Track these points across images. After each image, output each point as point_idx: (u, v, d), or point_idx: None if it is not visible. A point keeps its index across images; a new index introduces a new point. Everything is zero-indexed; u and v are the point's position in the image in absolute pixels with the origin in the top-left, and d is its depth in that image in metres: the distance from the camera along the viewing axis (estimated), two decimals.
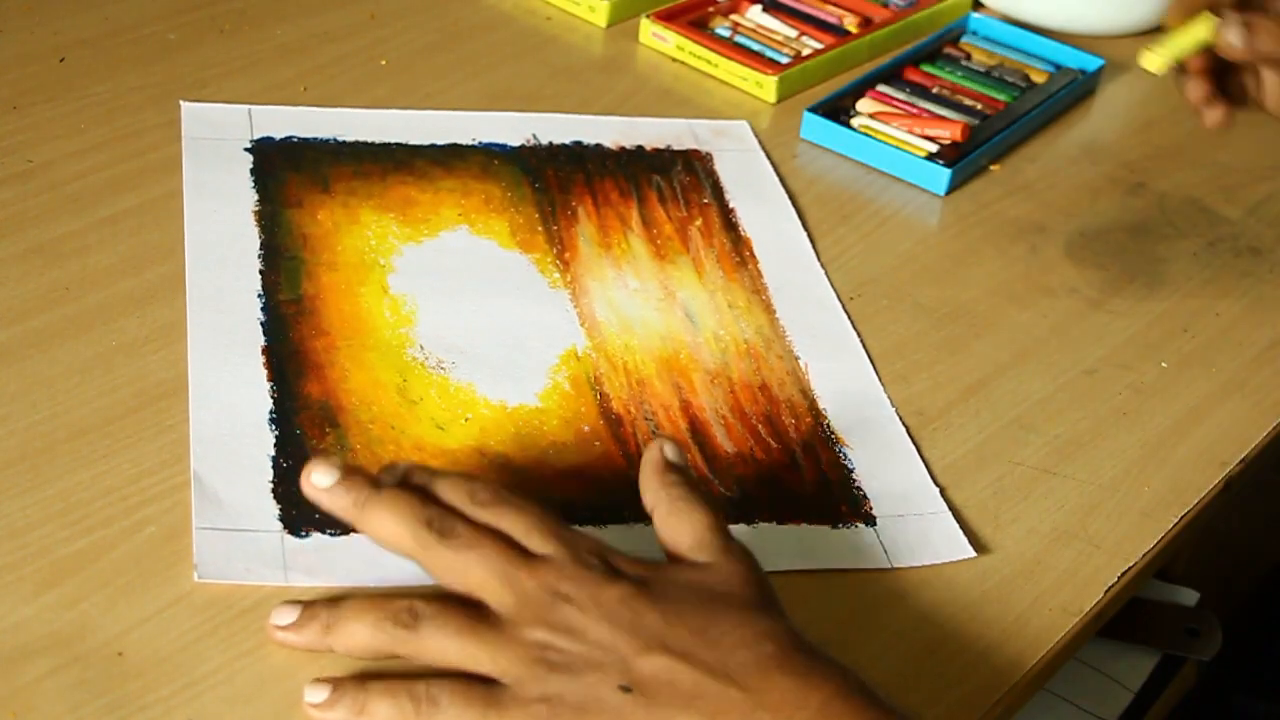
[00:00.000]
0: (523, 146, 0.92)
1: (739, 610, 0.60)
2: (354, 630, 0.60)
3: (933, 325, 0.84)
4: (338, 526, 0.66)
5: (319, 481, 0.62)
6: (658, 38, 1.04)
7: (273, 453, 0.69)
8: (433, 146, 0.90)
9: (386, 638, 0.59)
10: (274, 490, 0.67)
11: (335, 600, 0.61)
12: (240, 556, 0.64)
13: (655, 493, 0.65)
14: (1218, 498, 0.76)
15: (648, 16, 1.04)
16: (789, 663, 0.58)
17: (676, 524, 0.63)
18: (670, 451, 0.66)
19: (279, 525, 0.66)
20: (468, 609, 0.59)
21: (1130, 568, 0.71)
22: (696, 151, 0.94)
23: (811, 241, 0.88)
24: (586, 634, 0.58)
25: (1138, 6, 1.11)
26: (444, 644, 0.59)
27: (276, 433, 0.70)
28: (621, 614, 0.59)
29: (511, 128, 0.93)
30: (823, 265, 0.87)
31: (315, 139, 0.89)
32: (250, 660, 0.61)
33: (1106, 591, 0.70)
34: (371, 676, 0.59)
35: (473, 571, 0.60)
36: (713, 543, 0.63)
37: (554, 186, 0.89)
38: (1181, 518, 0.74)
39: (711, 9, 1.08)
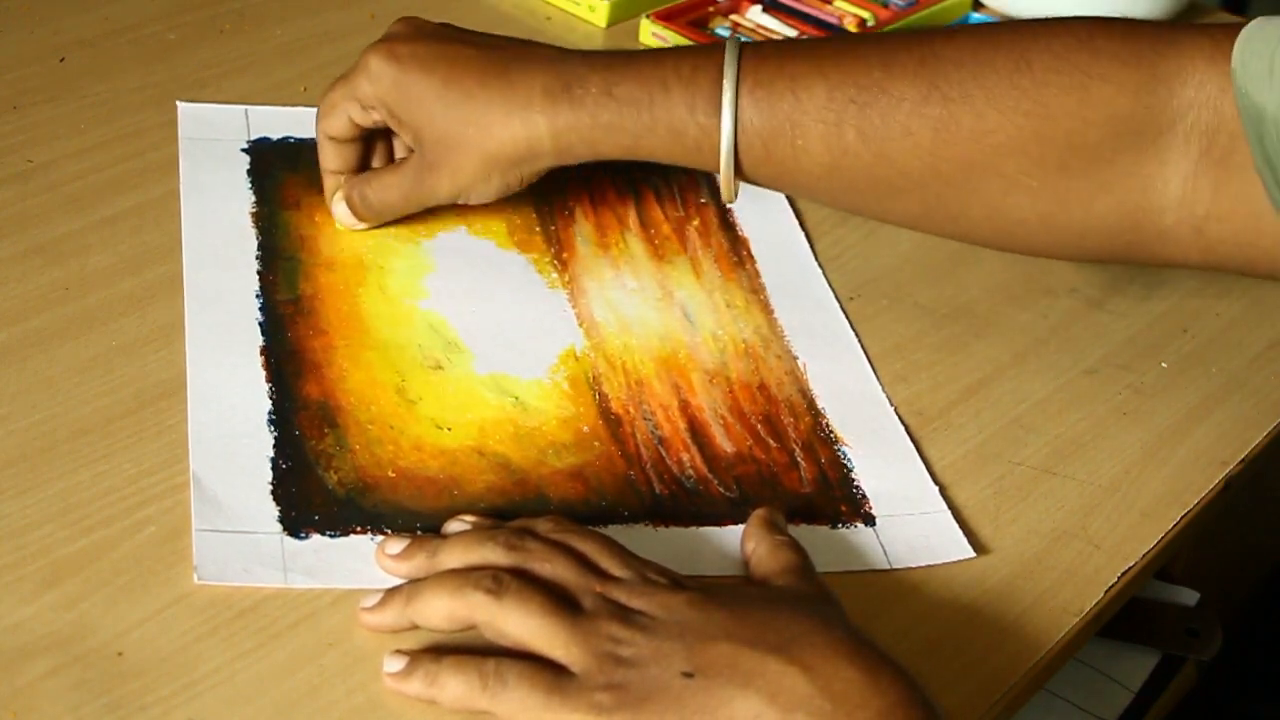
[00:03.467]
0: None
1: (809, 610, 0.61)
2: (437, 596, 0.61)
3: (933, 325, 0.84)
4: (337, 527, 0.66)
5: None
6: (658, 38, 1.04)
7: (271, 454, 0.69)
8: None
9: (468, 604, 0.60)
10: (273, 492, 0.67)
11: (417, 581, 0.63)
12: (240, 558, 0.64)
13: (760, 537, 0.67)
14: (1218, 498, 0.76)
15: (648, 16, 1.05)
16: (859, 655, 0.58)
17: (771, 557, 0.66)
18: (777, 515, 0.69)
19: (278, 527, 0.66)
20: (551, 593, 0.61)
21: (1130, 568, 0.71)
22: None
23: (809, 240, 0.88)
24: (655, 633, 0.59)
25: (1137, 7, 1.11)
26: (524, 619, 0.60)
27: (275, 434, 0.70)
28: (689, 614, 0.60)
29: None
30: (820, 264, 0.87)
31: (312, 139, 0.89)
32: (250, 660, 0.61)
33: (1106, 591, 0.70)
34: (445, 651, 0.60)
35: (554, 573, 0.62)
36: (798, 574, 0.65)
37: (551, 186, 0.89)
38: (1181, 518, 0.74)
39: (711, 9, 1.08)
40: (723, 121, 0.73)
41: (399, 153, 0.83)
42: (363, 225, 0.82)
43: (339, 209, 0.82)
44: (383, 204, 0.81)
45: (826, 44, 0.78)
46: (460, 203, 0.80)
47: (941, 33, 0.75)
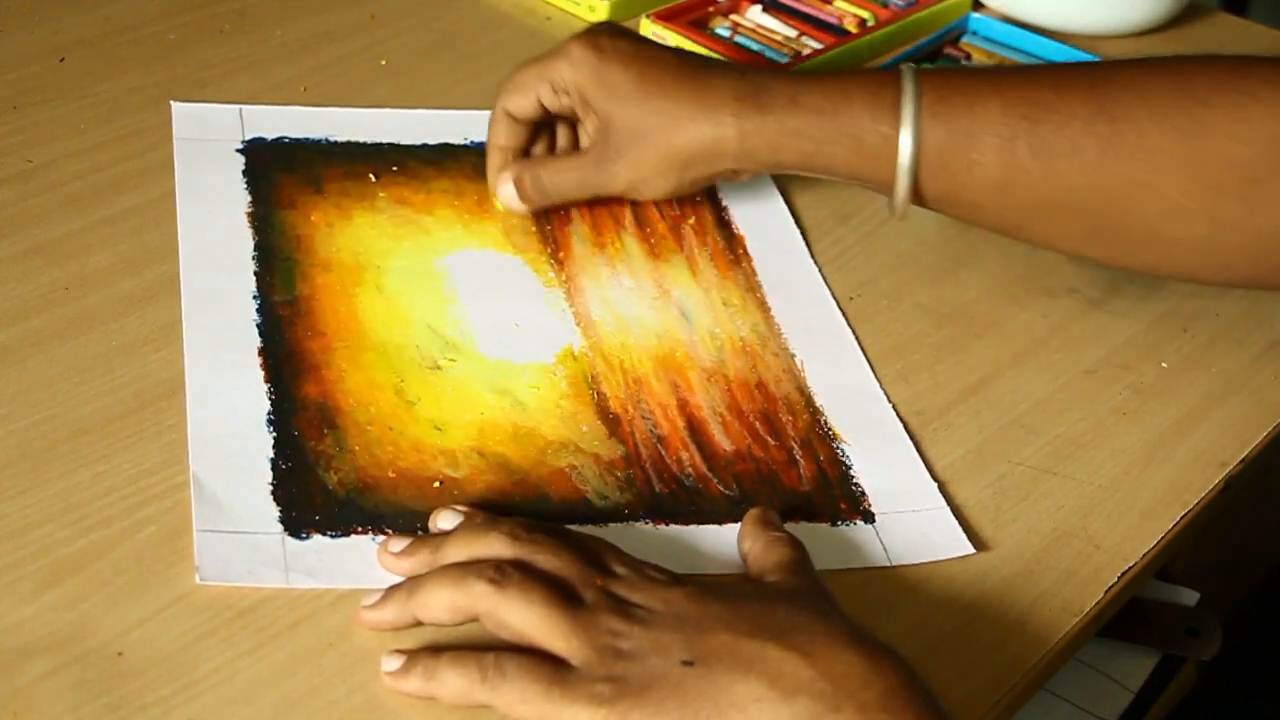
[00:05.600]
0: None
1: (806, 604, 0.62)
2: (439, 588, 0.61)
3: (933, 325, 0.84)
4: (338, 528, 0.66)
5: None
6: (658, 38, 1.04)
7: (271, 454, 0.69)
8: (424, 146, 0.90)
9: (470, 594, 0.61)
10: (273, 492, 0.67)
11: (418, 576, 0.63)
12: (241, 559, 0.64)
13: (755, 534, 0.68)
14: (1218, 498, 0.76)
15: (648, 16, 1.04)
16: (858, 642, 0.59)
17: (766, 552, 0.66)
18: (771, 514, 0.69)
19: (279, 527, 0.66)
20: (552, 585, 0.61)
21: (1130, 568, 0.71)
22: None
23: (805, 238, 0.88)
24: (654, 625, 0.60)
25: (1138, 6, 1.11)
26: (525, 609, 0.60)
27: (274, 434, 0.70)
28: (687, 606, 0.61)
29: None
30: (817, 262, 0.87)
31: (307, 139, 0.89)
32: (250, 660, 0.61)
33: (1106, 591, 0.70)
34: (443, 648, 0.60)
35: (555, 566, 0.62)
36: (793, 568, 0.65)
37: None
38: (1181, 518, 0.74)
39: (711, 9, 1.08)
40: (902, 131, 0.76)
41: (561, 144, 0.86)
42: (523, 207, 0.84)
43: (505, 189, 0.84)
44: (557, 188, 0.84)
45: (999, 69, 0.83)
46: (630, 197, 0.84)
47: (1107, 61, 0.79)
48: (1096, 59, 1.05)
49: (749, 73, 0.80)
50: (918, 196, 0.79)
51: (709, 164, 0.81)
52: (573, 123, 0.86)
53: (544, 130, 0.86)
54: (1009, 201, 0.77)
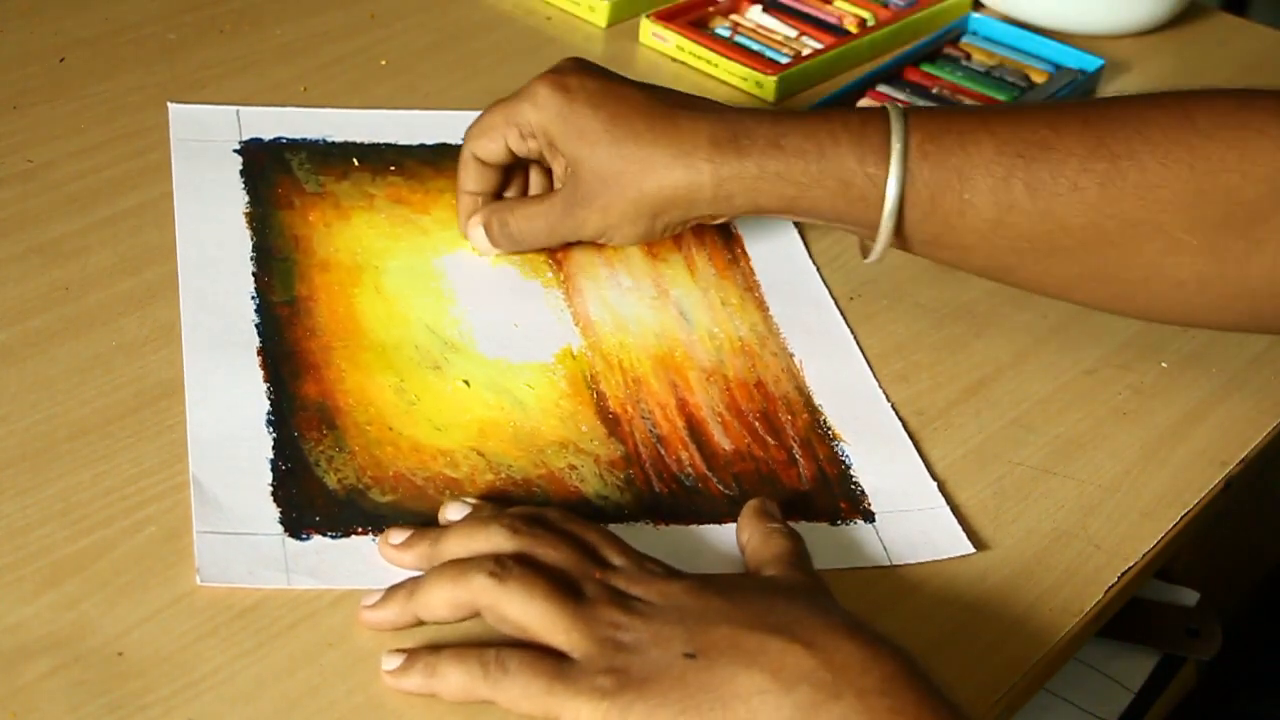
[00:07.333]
0: None
1: (805, 598, 0.62)
2: (439, 585, 0.61)
3: (933, 325, 0.84)
4: (338, 528, 0.66)
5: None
6: (658, 38, 1.04)
7: (271, 455, 0.69)
8: (422, 146, 0.90)
9: (471, 589, 0.61)
10: (273, 493, 0.67)
11: (418, 576, 0.63)
12: (242, 560, 0.64)
13: (754, 527, 0.68)
14: (1218, 498, 0.76)
15: (648, 16, 1.04)
16: (858, 633, 0.59)
17: (764, 544, 0.67)
18: (770, 505, 0.70)
19: (279, 528, 0.66)
20: (553, 579, 0.61)
21: (1130, 568, 0.71)
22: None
23: (803, 238, 0.88)
24: (654, 618, 0.60)
25: (1138, 6, 1.11)
26: (526, 603, 0.60)
27: (274, 435, 0.70)
28: (687, 600, 0.61)
29: None
30: (815, 262, 0.87)
31: (304, 139, 0.89)
32: (250, 660, 0.61)
33: (1106, 591, 0.70)
34: (443, 646, 0.60)
35: (556, 559, 0.62)
36: (791, 561, 0.65)
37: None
38: (1181, 518, 0.74)
39: (711, 9, 1.08)
40: (890, 171, 0.74)
41: (533, 186, 0.83)
42: (495, 251, 0.82)
43: (476, 233, 0.82)
44: (525, 234, 0.81)
45: (990, 107, 0.79)
46: (600, 242, 0.81)
47: (1102, 98, 0.76)
48: (1099, 60, 1.05)
49: (726, 113, 0.77)
50: (902, 240, 0.76)
51: (683, 210, 0.77)
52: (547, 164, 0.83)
53: (518, 171, 0.83)
54: (1002, 243, 0.75)
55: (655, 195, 0.76)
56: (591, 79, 0.78)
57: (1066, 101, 0.76)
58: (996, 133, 0.74)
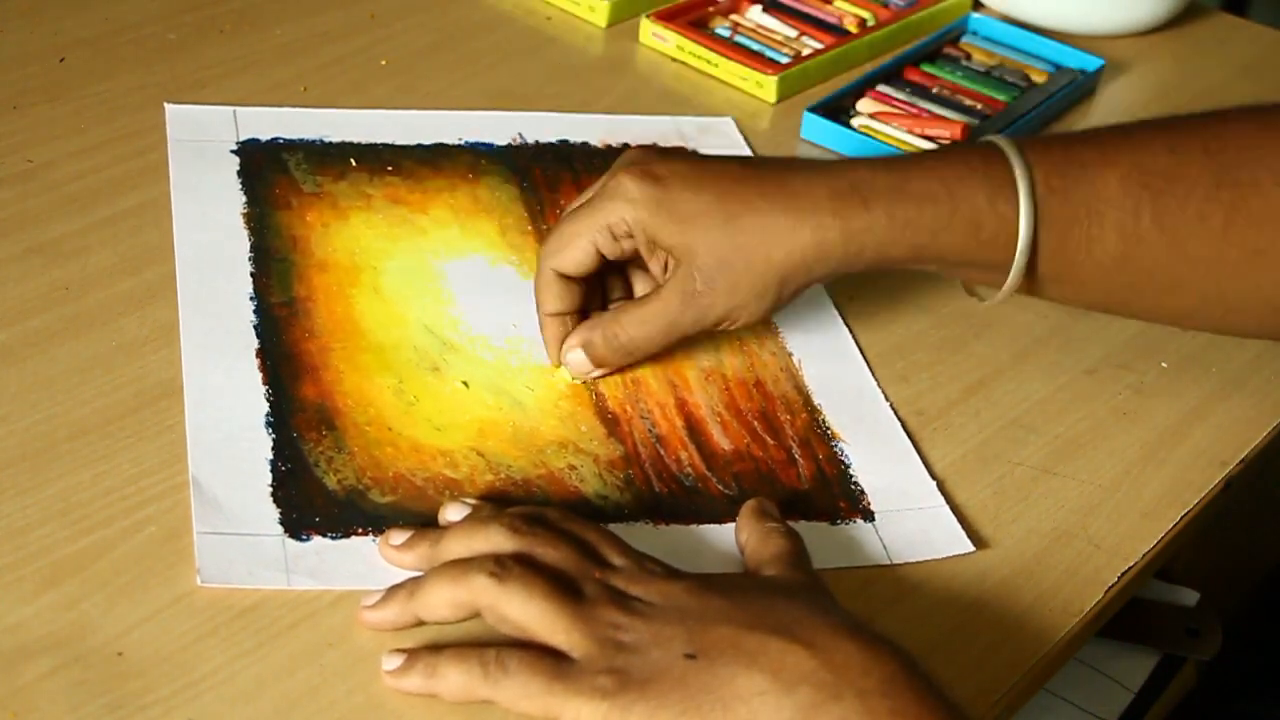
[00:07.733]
0: (509, 145, 0.91)
1: (805, 598, 0.62)
2: (439, 585, 0.61)
3: (933, 325, 0.84)
4: (338, 529, 0.66)
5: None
6: (658, 38, 1.04)
7: (270, 456, 0.69)
8: (419, 146, 0.90)
9: (471, 589, 0.61)
10: (273, 494, 0.67)
11: (418, 576, 0.63)
12: (242, 560, 0.64)
13: (752, 527, 0.68)
14: (1218, 498, 0.76)
15: (648, 16, 1.04)
16: (858, 634, 0.59)
17: (763, 544, 0.66)
18: (769, 504, 0.70)
19: (279, 529, 0.66)
20: (553, 579, 0.61)
21: (1130, 568, 0.71)
22: (682, 148, 0.93)
23: None
24: (654, 618, 0.60)
25: (1138, 6, 1.11)
26: (526, 603, 0.60)
27: (273, 436, 0.70)
28: (687, 600, 0.61)
29: (498, 126, 0.93)
30: None
31: (301, 140, 0.89)
32: (250, 660, 0.61)
33: (1106, 591, 0.70)
34: (443, 646, 0.60)
35: (556, 559, 0.62)
36: (790, 561, 0.65)
37: (542, 185, 0.89)
38: (1181, 518, 0.74)
39: (711, 9, 1.08)
40: (1020, 209, 0.70)
41: (619, 290, 0.78)
42: (598, 373, 0.76)
43: (573, 357, 0.75)
44: (640, 341, 0.74)
45: (1104, 132, 0.75)
46: (722, 328, 0.74)
47: (1216, 116, 0.73)
48: (1099, 60, 1.05)
49: (833, 166, 0.73)
50: (1030, 277, 0.73)
51: (809, 273, 0.72)
52: (620, 266, 0.77)
53: (594, 279, 0.76)
54: (1123, 278, 0.72)
55: (784, 263, 0.71)
56: (678, 161, 0.74)
57: (1177, 122, 0.73)
58: (1117, 163, 0.71)
